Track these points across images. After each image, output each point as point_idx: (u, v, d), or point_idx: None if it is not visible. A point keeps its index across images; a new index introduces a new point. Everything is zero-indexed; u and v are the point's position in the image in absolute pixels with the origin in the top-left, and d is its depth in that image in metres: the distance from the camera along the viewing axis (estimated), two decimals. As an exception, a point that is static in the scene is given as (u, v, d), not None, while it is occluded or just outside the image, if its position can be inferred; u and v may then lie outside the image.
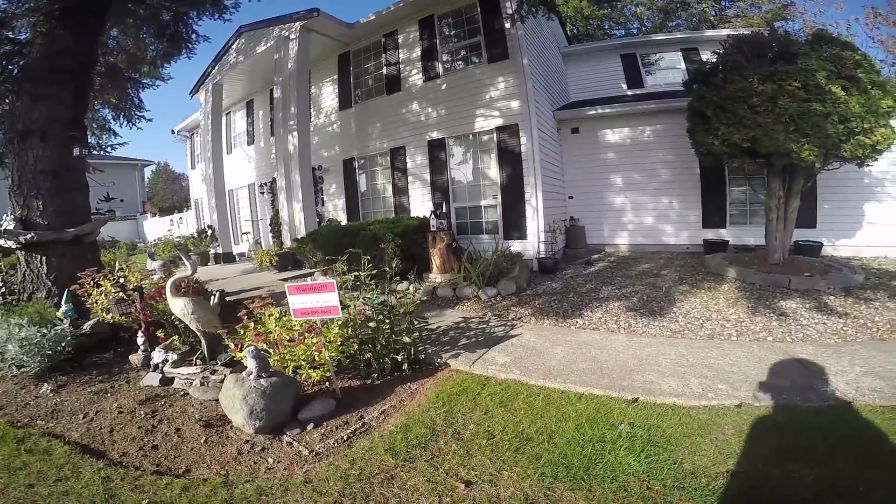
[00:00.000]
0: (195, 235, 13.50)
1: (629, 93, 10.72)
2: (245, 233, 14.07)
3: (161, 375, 3.68)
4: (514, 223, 7.83)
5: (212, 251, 12.88)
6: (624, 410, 2.93)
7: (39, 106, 5.32)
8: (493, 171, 8.05)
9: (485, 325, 4.72)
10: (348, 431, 2.90)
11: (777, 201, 5.99)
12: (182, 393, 3.58)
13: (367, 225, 7.20)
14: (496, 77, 7.83)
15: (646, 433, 2.61)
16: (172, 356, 3.70)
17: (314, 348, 3.17)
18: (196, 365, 3.68)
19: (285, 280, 8.54)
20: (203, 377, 3.48)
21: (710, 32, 11.17)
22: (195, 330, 3.67)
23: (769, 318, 4.47)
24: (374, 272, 4.08)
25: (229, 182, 13.56)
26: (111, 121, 9.77)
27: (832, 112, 4.99)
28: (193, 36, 8.36)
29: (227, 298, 6.94)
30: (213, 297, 3.99)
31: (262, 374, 2.99)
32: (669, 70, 10.86)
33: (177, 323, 4.05)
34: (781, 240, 6.08)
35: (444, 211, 8.12)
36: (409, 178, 9.15)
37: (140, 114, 9.74)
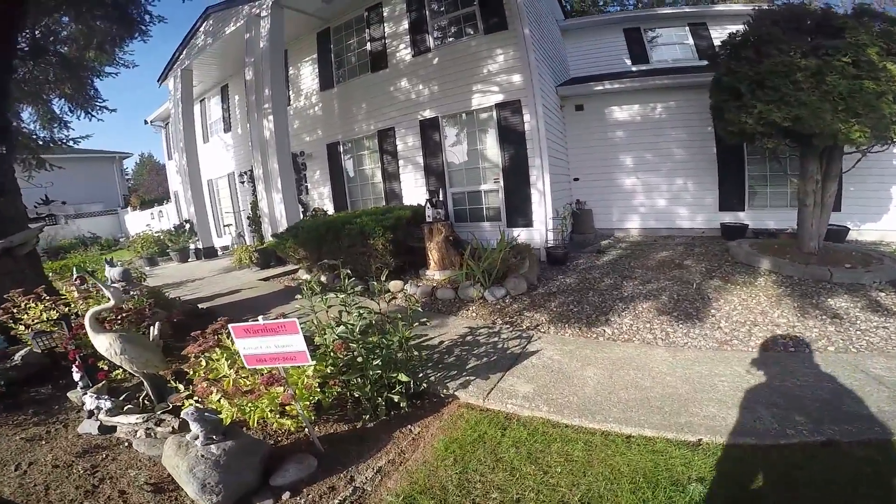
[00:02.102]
0: (173, 230, 12.60)
1: (633, 69, 9.91)
2: (227, 225, 13.24)
3: (99, 423, 2.95)
4: (518, 209, 7.10)
5: (192, 246, 12.06)
6: (688, 459, 2.27)
7: None
8: (493, 152, 7.28)
9: (496, 338, 4.01)
10: (335, 503, 2.21)
11: (815, 185, 5.43)
12: (126, 444, 2.86)
13: (352, 217, 6.41)
14: (494, 49, 6.99)
15: (728, 492, 1.97)
16: (106, 403, 2.96)
17: (281, 399, 2.43)
18: (139, 412, 2.95)
19: (266, 280, 7.86)
20: (147, 428, 2.76)
21: (720, 7, 10.32)
22: (129, 371, 2.93)
23: (822, 321, 3.88)
24: (352, 280, 3.30)
25: (208, 172, 12.71)
26: (68, 113, 8.80)
27: (887, 90, 4.46)
28: (147, 17, 7.37)
29: (200, 306, 6.18)
30: (152, 328, 3.21)
31: (213, 437, 2.28)
32: (677, 45, 10.08)
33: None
34: (817, 227, 5.54)
35: (440, 199, 7.36)
36: (401, 162, 8.36)
37: (100, 104, 8.78)
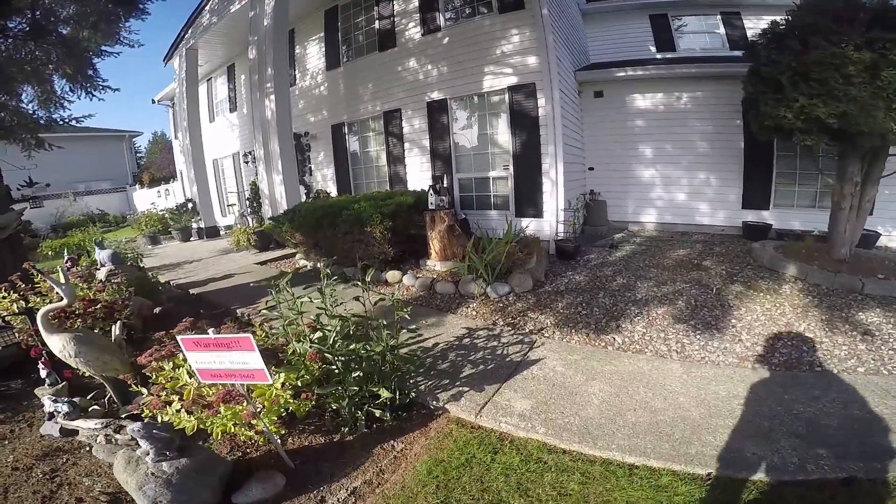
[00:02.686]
0: (175, 209, 12.45)
1: (658, 56, 9.37)
2: (231, 205, 13.07)
3: (60, 426, 2.74)
4: (528, 198, 6.73)
5: (194, 225, 11.92)
6: (694, 497, 1.98)
7: None
8: (504, 137, 6.88)
9: (495, 342, 3.69)
10: (299, 531, 1.96)
11: (853, 188, 4.98)
12: (88, 448, 2.65)
13: (351, 203, 6.09)
14: (509, 29, 6.53)
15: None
16: (63, 407, 2.72)
17: (243, 416, 2.16)
18: (102, 415, 2.74)
19: (263, 263, 7.62)
20: (107, 434, 2.53)
21: None
22: (87, 373, 2.69)
23: (853, 338, 3.52)
24: (340, 305, 2.94)
25: (214, 151, 12.52)
26: (69, 93, 8.53)
27: None
28: None
29: (192, 291, 5.98)
30: (114, 327, 2.95)
31: (165, 454, 2.04)
32: (706, 34, 9.48)
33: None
34: (851, 232, 5.10)
35: (444, 185, 6.98)
36: (406, 146, 8.01)
37: (101, 83, 8.50)
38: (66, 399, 2.77)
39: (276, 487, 2.19)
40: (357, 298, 3.26)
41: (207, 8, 9.77)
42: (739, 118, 6.83)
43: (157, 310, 4.72)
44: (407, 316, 3.00)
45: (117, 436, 2.51)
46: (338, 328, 2.66)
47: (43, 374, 3.09)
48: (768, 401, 2.69)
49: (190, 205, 11.92)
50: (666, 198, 7.94)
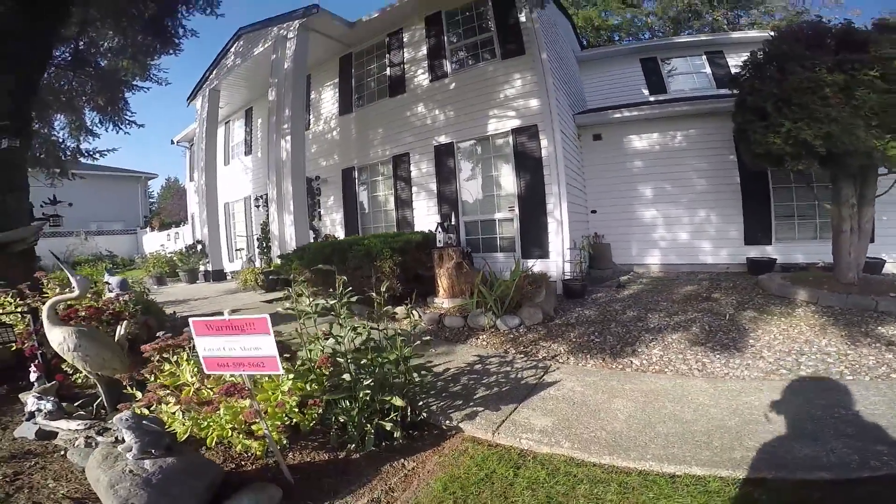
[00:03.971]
0: (184, 251, 12.55)
1: (651, 98, 9.84)
2: (239, 249, 13.16)
3: (38, 427, 2.63)
4: (534, 239, 6.78)
5: (201, 268, 11.94)
6: (754, 499, 1.84)
7: None
8: (509, 179, 7.07)
9: (508, 368, 3.59)
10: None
11: (851, 210, 5.09)
12: (63, 452, 2.50)
13: (360, 239, 6.17)
14: (511, 74, 6.93)
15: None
16: (47, 405, 2.64)
17: (243, 416, 2.05)
18: (88, 415, 2.66)
19: (269, 302, 7.56)
20: (88, 437, 2.41)
21: (736, 34, 10.39)
22: (83, 371, 2.60)
23: (878, 349, 3.49)
24: (354, 299, 2.91)
25: (225, 195, 12.81)
26: (98, 125, 8.99)
27: None
28: (180, 31, 7.61)
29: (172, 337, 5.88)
30: (119, 326, 2.91)
31: (151, 451, 1.92)
32: (694, 74, 10.13)
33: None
34: (856, 255, 5.15)
35: (452, 223, 7.08)
36: (414, 189, 8.19)
37: (129, 118, 8.97)
38: (52, 398, 2.67)
39: (272, 501, 2.03)
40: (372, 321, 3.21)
41: (233, 50, 10.34)
42: (733, 153, 7.10)
43: (160, 333, 4.63)
44: (424, 329, 2.92)
45: (99, 437, 2.39)
46: (348, 335, 2.59)
47: (33, 377, 3.02)
48: (805, 406, 2.62)
49: (199, 246, 12.02)
50: (669, 238, 7.99)
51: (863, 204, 5.08)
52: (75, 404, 2.92)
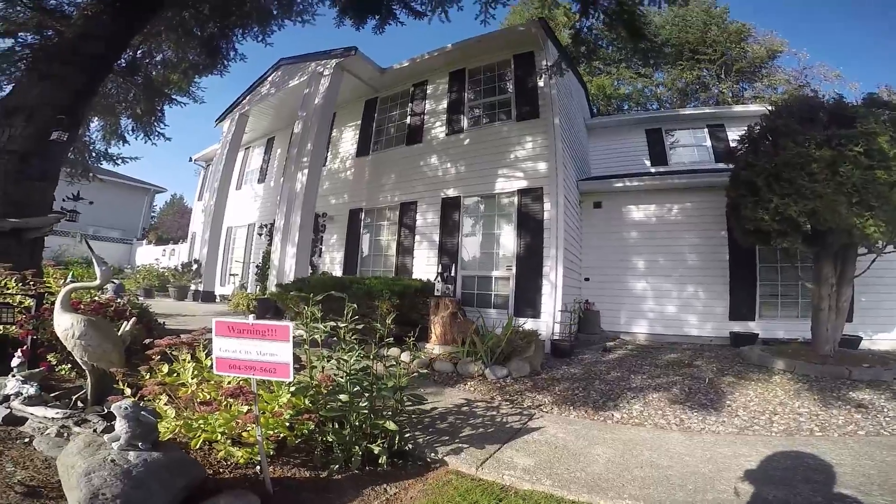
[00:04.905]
0: (179, 268, 12.55)
1: (652, 170, 10.32)
2: (234, 274, 13.16)
3: (8, 412, 2.60)
4: (527, 299, 6.94)
5: (192, 287, 11.90)
6: None
7: (43, 85, 4.90)
8: (509, 238, 7.34)
9: (494, 412, 3.64)
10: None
11: (830, 289, 5.32)
12: (28, 440, 2.44)
13: (361, 279, 6.30)
14: (524, 136, 7.43)
15: None
16: (30, 389, 2.67)
17: (241, 420, 2.11)
18: (64, 407, 2.66)
19: (260, 327, 7.51)
20: (63, 426, 2.42)
21: (737, 108, 10.97)
22: (79, 361, 2.66)
23: (847, 410, 3.71)
24: (360, 326, 3.06)
25: (230, 219, 13.01)
26: (130, 132, 9.33)
27: None
28: (232, 53, 8.14)
29: (183, 337, 5.85)
30: (124, 323, 2.99)
31: (137, 444, 1.94)
32: (694, 147, 10.58)
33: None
34: (832, 332, 5.35)
35: (451, 275, 7.26)
36: (417, 238, 8.41)
37: (160, 129, 9.30)
38: (35, 384, 2.69)
39: (250, 506, 2.01)
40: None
41: (270, 79, 10.95)
42: (724, 229, 7.39)
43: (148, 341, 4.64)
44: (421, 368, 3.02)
45: (76, 428, 2.40)
46: (352, 358, 2.68)
47: (15, 362, 3.00)
48: (776, 457, 2.77)
49: (195, 265, 12.05)
50: (657, 310, 8.17)
51: (842, 284, 5.30)
52: (52, 395, 2.91)
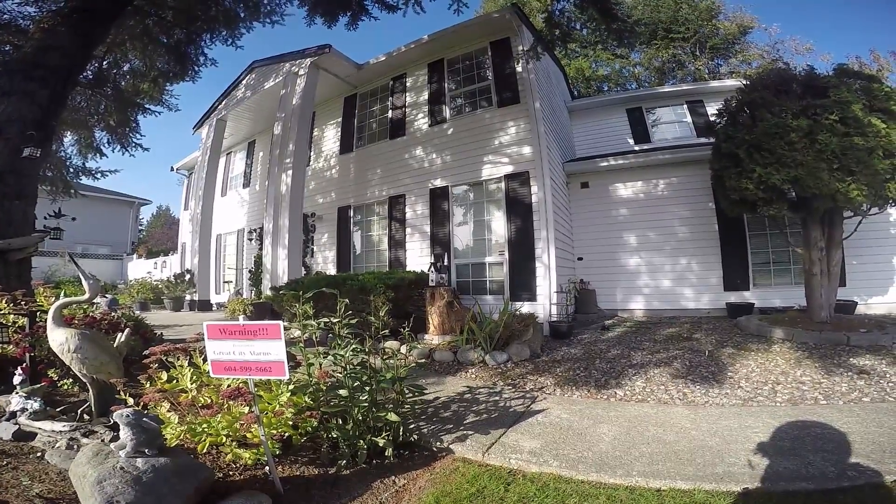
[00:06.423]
0: (172, 279, 12.44)
1: (636, 147, 10.37)
2: (228, 281, 13.07)
3: (17, 427, 2.61)
4: (522, 283, 6.98)
5: (188, 297, 11.81)
6: None
7: (8, 101, 4.81)
8: (500, 223, 7.36)
9: (497, 398, 3.67)
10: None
11: (819, 253, 5.39)
12: (41, 454, 2.46)
13: (355, 275, 6.29)
14: (506, 121, 7.42)
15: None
16: (34, 405, 2.67)
17: (242, 421, 2.11)
18: (70, 420, 2.66)
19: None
20: (72, 438, 2.42)
21: (714, 83, 11.05)
22: (78, 374, 2.65)
23: (849, 377, 3.73)
24: (354, 321, 3.06)
25: (219, 226, 12.87)
26: (105, 144, 9.13)
27: (876, 146, 4.58)
28: (201, 58, 8.00)
29: (174, 342, 5.83)
30: (120, 334, 2.97)
31: (144, 451, 1.95)
32: (676, 124, 10.70)
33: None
34: (827, 297, 5.41)
35: (444, 264, 7.26)
36: (408, 230, 8.40)
37: (137, 140, 9.09)
38: (39, 398, 2.67)
39: (262, 506, 2.03)
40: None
41: (244, 82, 10.77)
42: (712, 201, 7.48)
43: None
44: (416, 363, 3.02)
45: (84, 440, 2.40)
46: (347, 353, 2.68)
47: (17, 379, 2.99)
48: (783, 428, 2.76)
49: (188, 276, 11.95)
50: (652, 285, 8.25)
51: (831, 247, 5.37)
52: (57, 409, 2.91)
